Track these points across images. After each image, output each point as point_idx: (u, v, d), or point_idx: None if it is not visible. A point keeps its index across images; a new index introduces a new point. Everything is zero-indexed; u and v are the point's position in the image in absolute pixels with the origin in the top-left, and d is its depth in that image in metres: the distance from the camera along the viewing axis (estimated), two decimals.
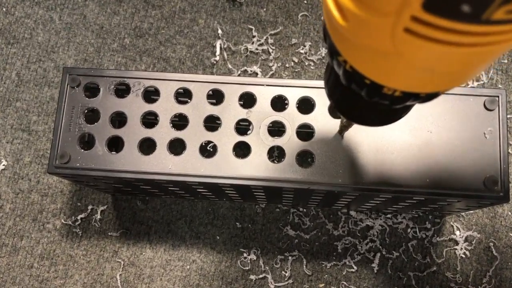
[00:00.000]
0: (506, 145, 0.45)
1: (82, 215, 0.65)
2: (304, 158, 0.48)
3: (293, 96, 0.47)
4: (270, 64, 0.68)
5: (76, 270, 0.63)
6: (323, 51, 0.69)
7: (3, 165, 0.67)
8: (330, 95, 0.32)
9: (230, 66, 0.68)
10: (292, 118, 0.47)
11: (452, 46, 0.18)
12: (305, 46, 0.69)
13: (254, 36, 0.69)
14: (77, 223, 0.65)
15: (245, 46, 0.69)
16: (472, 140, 0.46)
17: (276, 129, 0.48)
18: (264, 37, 0.69)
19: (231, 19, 0.70)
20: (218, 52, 0.69)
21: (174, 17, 0.71)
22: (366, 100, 0.26)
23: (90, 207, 0.65)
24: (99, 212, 0.65)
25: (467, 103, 0.47)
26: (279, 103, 0.48)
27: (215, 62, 0.69)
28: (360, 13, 0.19)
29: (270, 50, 0.69)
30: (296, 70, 0.68)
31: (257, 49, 0.69)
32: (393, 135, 0.46)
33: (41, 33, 0.71)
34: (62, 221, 0.65)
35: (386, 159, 0.45)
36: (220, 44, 0.69)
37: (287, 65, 0.68)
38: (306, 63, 0.68)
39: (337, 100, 0.32)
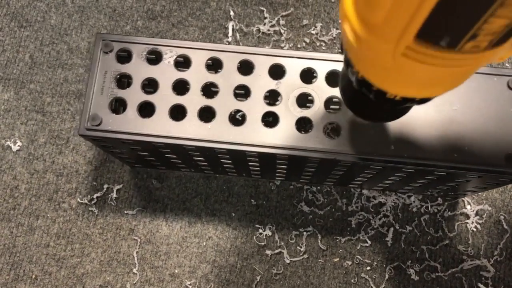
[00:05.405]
0: None
1: (98, 194, 0.65)
2: (331, 130, 0.49)
3: (321, 69, 0.48)
4: (282, 45, 0.69)
5: (92, 248, 0.64)
6: (334, 31, 0.70)
7: (18, 146, 0.67)
8: (345, 99, 0.39)
9: None
10: (320, 90, 0.48)
11: (436, 66, 0.25)
12: (316, 27, 0.70)
13: (265, 18, 0.70)
14: (93, 202, 0.65)
15: (257, 27, 0.70)
16: (495, 118, 0.47)
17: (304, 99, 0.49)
18: (276, 19, 0.70)
19: (242, 1, 0.71)
20: (230, 34, 0.70)
21: (186, 0, 0.72)
22: (374, 102, 0.32)
23: (105, 186, 0.65)
24: (115, 191, 0.65)
25: (490, 82, 0.48)
26: (308, 76, 0.49)
27: (227, 44, 0.70)
28: (370, 39, 0.25)
29: (282, 31, 0.70)
30: (308, 51, 0.69)
31: (268, 30, 0.70)
32: (419, 111, 0.47)
33: (54, 16, 0.72)
34: (78, 200, 0.65)
35: (411, 133, 0.47)
36: (232, 26, 0.70)
37: (298, 46, 0.69)
38: (318, 44, 0.69)
39: (351, 102, 0.39)
